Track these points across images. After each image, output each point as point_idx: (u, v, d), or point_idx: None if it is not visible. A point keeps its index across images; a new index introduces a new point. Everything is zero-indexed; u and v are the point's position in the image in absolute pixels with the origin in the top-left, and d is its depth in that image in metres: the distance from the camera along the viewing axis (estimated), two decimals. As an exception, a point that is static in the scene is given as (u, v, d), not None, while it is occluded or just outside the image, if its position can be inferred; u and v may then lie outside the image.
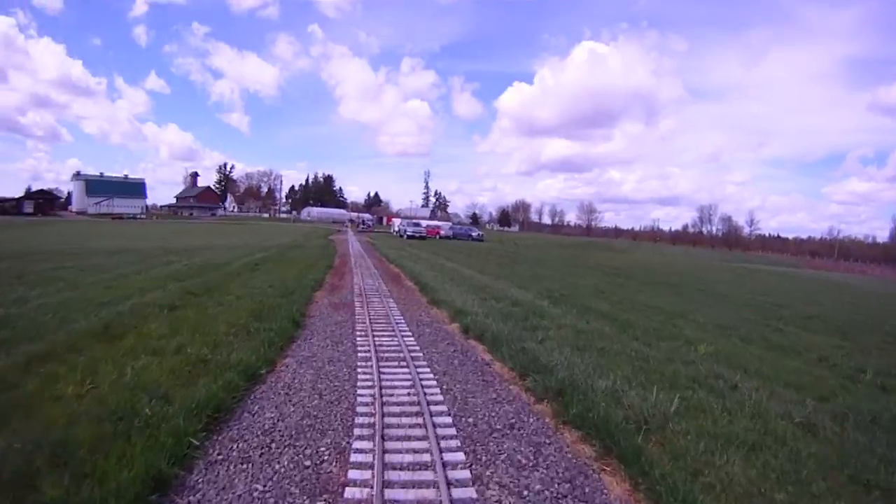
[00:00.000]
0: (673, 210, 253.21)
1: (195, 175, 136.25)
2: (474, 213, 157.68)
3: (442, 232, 65.82)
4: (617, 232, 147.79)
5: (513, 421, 5.23)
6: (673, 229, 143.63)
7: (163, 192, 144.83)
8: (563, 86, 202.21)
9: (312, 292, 12.36)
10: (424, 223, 67.38)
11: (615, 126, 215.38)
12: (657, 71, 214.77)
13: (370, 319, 9.35)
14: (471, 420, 5.14)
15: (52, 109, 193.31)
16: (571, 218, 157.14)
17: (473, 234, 69.92)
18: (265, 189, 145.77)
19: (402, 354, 7.20)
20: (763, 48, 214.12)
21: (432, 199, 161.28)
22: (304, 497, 3.64)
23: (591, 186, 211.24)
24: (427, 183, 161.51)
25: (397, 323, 9.31)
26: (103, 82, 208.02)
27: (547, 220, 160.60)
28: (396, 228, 67.12)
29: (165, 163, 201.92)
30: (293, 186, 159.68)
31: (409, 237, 54.96)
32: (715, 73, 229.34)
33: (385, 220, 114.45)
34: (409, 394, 5.63)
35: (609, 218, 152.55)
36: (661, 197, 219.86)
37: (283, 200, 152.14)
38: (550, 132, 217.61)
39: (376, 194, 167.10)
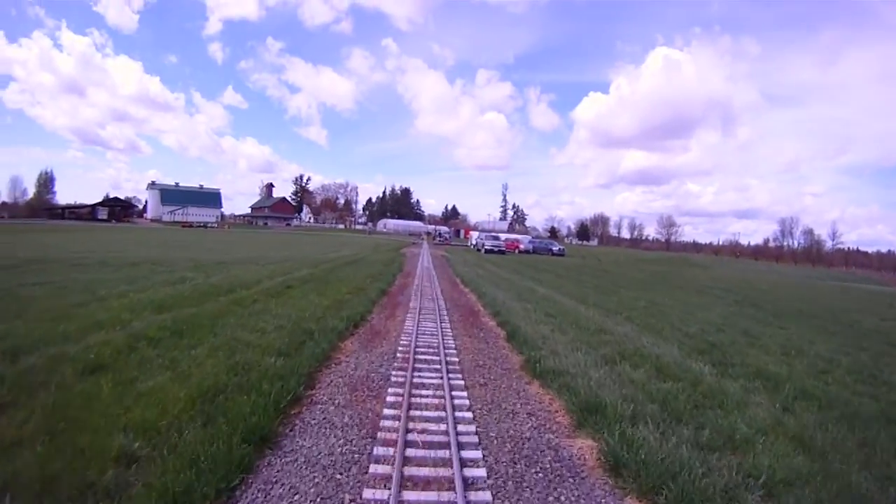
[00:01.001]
0: (751, 223, 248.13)
1: (270, 186, 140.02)
2: (552, 227, 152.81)
3: (521, 246, 62.46)
4: (696, 246, 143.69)
5: None
6: (751, 243, 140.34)
7: (241, 203, 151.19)
8: (639, 94, 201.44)
9: (337, 342, 8.02)
10: (503, 236, 63.20)
11: (692, 136, 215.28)
12: (732, 76, 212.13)
13: (402, 475, 3.93)
14: None
15: (132, 123, 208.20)
16: (650, 232, 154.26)
17: (554, 248, 65.77)
18: (342, 201, 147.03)
19: None
20: (837, 48, 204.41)
21: (510, 213, 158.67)
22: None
23: (670, 199, 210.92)
24: (505, 196, 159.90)
25: (468, 479, 3.93)
26: (181, 98, 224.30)
27: (626, 233, 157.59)
28: (474, 242, 63.68)
29: (244, 175, 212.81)
30: (370, 199, 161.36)
31: (488, 251, 51.63)
32: (790, 76, 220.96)
33: (463, 232, 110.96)
34: None
35: (687, 232, 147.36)
36: (739, 210, 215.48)
37: (360, 212, 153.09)
38: (628, 143, 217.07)
39: (454, 207, 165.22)
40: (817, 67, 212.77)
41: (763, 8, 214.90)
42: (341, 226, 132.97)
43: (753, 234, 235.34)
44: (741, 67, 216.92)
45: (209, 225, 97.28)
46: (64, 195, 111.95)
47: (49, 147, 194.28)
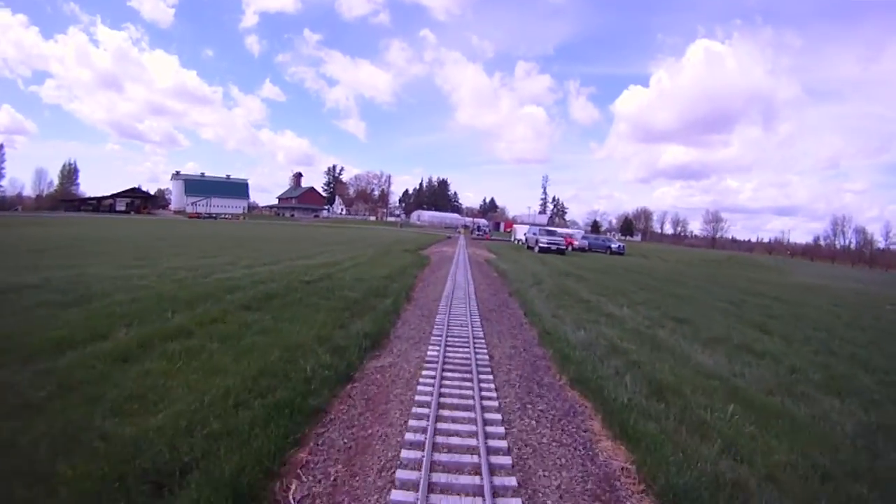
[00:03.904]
0: (790, 220, 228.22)
1: (298, 176, 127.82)
2: (595, 221, 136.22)
3: (576, 243, 46.92)
4: (748, 244, 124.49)
5: None
6: (790, 240, 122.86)
7: (278, 195, 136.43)
8: (680, 88, 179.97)
9: None
10: (561, 231, 47.43)
11: (733, 131, 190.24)
12: (773, 70, 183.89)
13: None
14: None
15: (169, 117, 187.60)
16: (694, 227, 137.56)
17: (613, 245, 51.02)
18: (377, 192, 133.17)
19: None
20: (880, 43, 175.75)
21: (550, 206, 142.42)
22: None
23: (709, 194, 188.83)
24: (545, 189, 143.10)
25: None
26: (219, 91, 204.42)
27: (668, 228, 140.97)
28: (520, 237, 49.84)
29: (283, 167, 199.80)
30: (407, 190, 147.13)
31: (543, 250, 36.14)
32: (832, 70, 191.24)
33: (503, 226, 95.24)
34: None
35: (725, 228, 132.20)
36: (778, 206, 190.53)
37: (396, 204, 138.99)
38: (668, 137, 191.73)
39: (492, 200, 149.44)
40: (859, 63, 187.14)
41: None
42: (373, 218, 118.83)
43: (792, 231, 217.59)
44: (783, 61, 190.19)
45: (222, 216, 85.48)
46: (101, 188, 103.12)
47: (87, 141, 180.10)
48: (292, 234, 39.78)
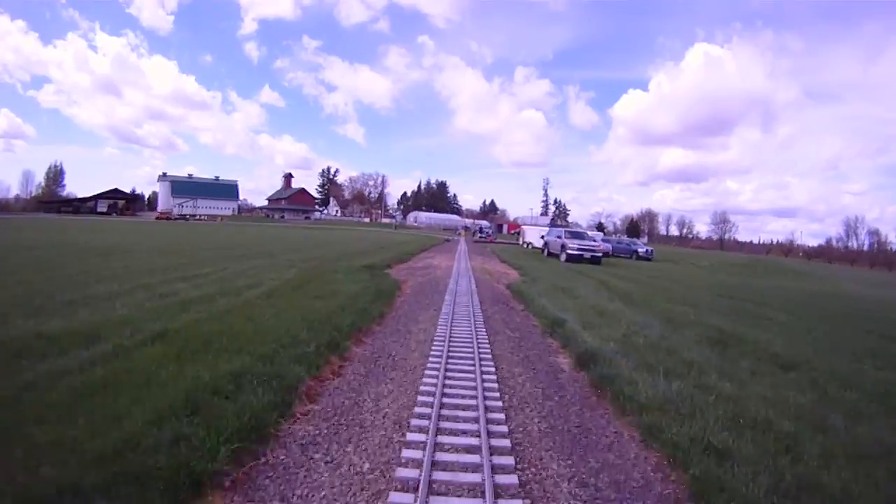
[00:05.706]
0: (790, 222, 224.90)
1: (289, 177, 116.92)
2: (600, 223, 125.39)
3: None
4: (747, 246, 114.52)
5: None
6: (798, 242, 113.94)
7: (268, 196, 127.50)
8: (679, 91, 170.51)
9: None
10: (591, 235, 35.96)
11: (732, 133, 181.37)
12: (773, 73, 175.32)
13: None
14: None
15: (168, 122, 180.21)
16: (700, 229, 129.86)
17: (640, 249, 41.01)
18: (375, 194, 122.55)
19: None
20: (880, 44, 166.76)
21: (552, 208, 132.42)
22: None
23: (708, 197, 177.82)
24: (546, 191, 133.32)
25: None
26: (217, 96, 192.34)
27: (674, 230, 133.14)
28: (530, 240, 39.69)
29: (281, 170, 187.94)
30: (405, 192, 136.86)
31: (572, 258, 25.43)
32: (832, 73, 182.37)
33: (506, 228, 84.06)
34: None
35: (732, 229, 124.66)
36: (777, 208, 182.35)
37: (396, 206, 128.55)
38: (667, 141, 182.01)
39: (492, 202, 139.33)
40: (859, 64, 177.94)
41: (805, 1, 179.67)
42: (367, 219, 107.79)
43: (794, 232, 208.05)
44: (783, 64, 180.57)
45: (196, 217, 76.25)
46: (96, 191, 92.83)
47: (85, 145, 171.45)
48: (232, 239, 28.52)
